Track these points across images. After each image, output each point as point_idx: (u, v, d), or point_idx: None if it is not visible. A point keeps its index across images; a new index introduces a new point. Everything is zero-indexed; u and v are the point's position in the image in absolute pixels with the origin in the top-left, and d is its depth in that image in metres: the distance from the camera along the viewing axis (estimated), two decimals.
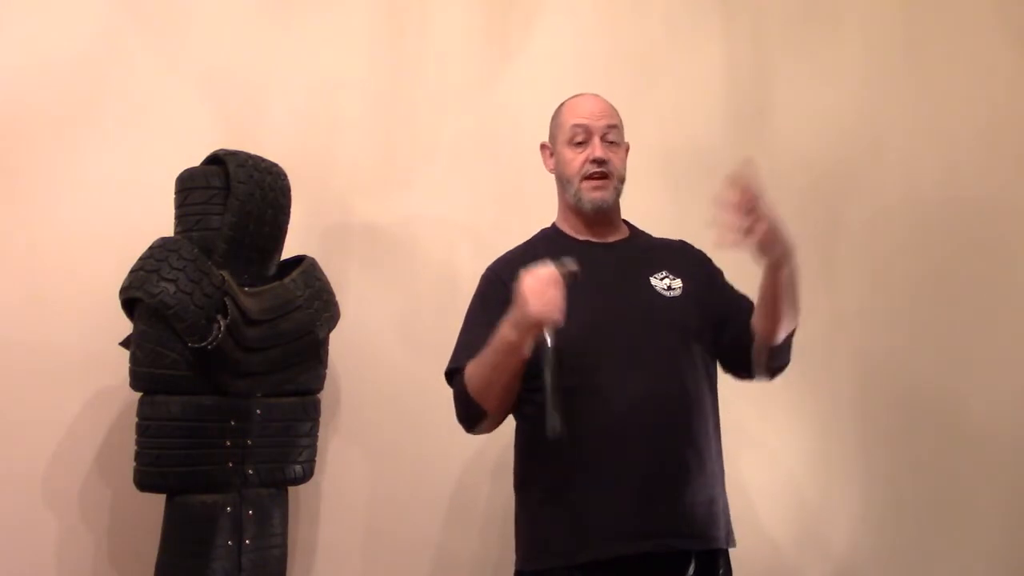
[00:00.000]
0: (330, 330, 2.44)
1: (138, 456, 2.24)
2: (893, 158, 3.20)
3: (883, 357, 3.10)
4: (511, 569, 2.12)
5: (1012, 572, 3.08)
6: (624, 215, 2.28)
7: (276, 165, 2.38)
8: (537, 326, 1.84)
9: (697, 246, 2.27)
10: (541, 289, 1.82)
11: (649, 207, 2.88)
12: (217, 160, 2.33)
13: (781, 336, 2.08)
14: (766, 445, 2.96)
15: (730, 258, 2.19)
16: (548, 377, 1.82)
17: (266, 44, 2.75)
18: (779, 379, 3.01)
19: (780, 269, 1.96)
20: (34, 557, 2.44)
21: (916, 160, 3.21)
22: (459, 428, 2.13)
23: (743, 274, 2.10)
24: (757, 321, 2.08)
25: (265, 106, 2.73)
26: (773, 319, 2.03)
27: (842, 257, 3.12)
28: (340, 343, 2.53)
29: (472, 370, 2.00)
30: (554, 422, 1.81)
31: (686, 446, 2.01)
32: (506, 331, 1.89)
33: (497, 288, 2.10)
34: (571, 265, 1.88)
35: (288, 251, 2.43)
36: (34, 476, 2.46)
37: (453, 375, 2.09)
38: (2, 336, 2.46)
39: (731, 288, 2.21)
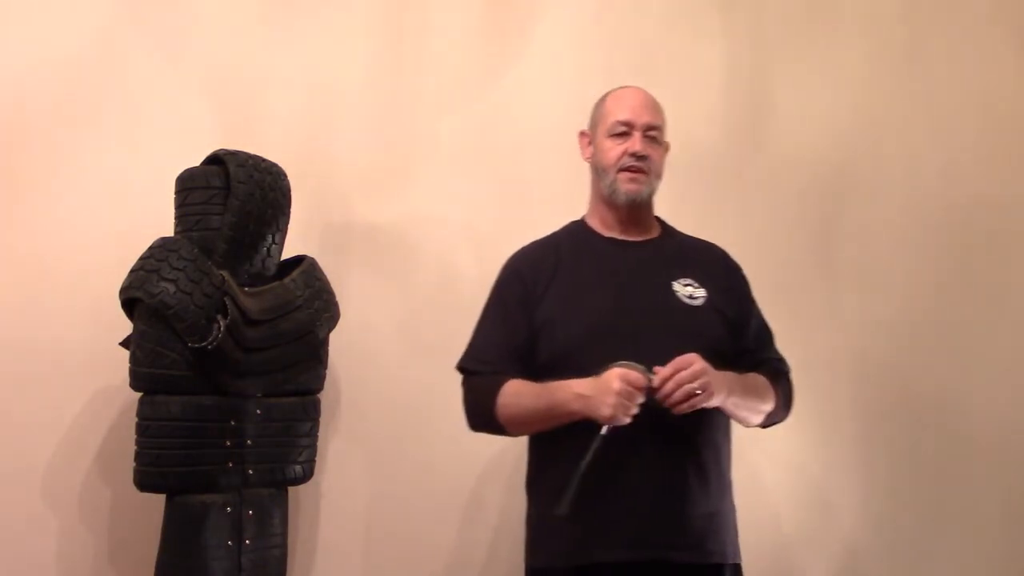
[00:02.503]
0: (330, 330, 2.44)
1: (138, 456, 2.23)
2: (893, 158, 3.19)
3: (884, 358, 3.09)
4: (510, 569, 2.12)
5: (1012, 572, 3.07)
6: None
7: (276, 165, 2.38)
8: (604, 419, 1.87)
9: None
10: (624, 393, 1.85)
11: None
12: (217, 160, 2.33)
13: (754, 424, 2.14)
14: (767, 445, 2.96)
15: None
16: (587, 459, 1.86)
17: (266, 44, 2.75)
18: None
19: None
20: (34, 557, 2.44)
21: (916, 160, 3.20)
22: (459, 427, 2.14)
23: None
24: None
25: (265, 106, 2.73)
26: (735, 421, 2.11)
27: (842, 258, 3.12)
28: (340, 343, 2.53)
29: (511, 403, 2.01)
30: (566, 504, 1.86)
31: (690, 459, 2.00)
32: (571, 400, 1.91)
33: (513, 284, 2.12)
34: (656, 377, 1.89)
35: (288, 251, 2.43)
36: (34, 476, 2.46)
37: (467, 372, 2.10)
38: (2, 336, 2.46)
39: (758, 318, 2.20)
